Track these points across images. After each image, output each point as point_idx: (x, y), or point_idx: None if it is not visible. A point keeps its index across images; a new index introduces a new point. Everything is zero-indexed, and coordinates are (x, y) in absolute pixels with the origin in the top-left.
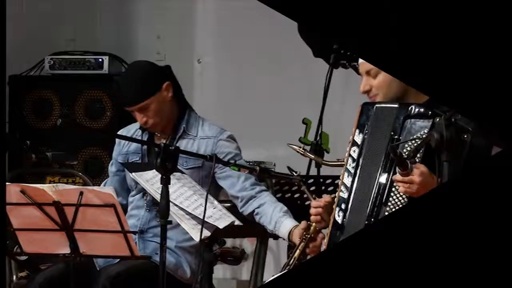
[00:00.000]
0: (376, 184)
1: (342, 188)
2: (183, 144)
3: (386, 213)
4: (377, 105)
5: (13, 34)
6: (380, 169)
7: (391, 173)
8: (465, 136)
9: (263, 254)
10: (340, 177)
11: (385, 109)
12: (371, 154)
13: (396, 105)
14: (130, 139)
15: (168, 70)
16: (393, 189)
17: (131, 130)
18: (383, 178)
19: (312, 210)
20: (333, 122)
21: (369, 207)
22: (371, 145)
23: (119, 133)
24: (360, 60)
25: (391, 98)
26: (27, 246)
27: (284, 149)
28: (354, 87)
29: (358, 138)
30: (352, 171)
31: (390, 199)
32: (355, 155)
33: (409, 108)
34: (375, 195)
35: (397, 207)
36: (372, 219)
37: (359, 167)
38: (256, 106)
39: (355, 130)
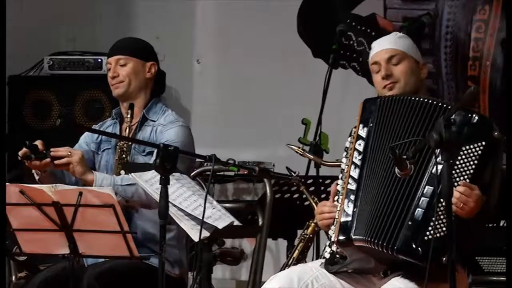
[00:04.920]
0: (415, 181)
1: (350, 180)
2: (144, 131)
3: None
4: (380, 99)
5: (13, 34)
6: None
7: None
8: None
9: (262, 254)
10: (345, 171)
11: (395, 101)
12: (385, 145)
13: (403, 97)
14: (127, 138)
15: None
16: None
17: (105, 122)
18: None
19: (325, 222)
20: (333, 122)
21: (407, 202)
22: (382, 137)
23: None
24: (381, 48)
25: (409, 88)
26: (26, 246)
27: (284, 149)
28: (354, 87)
29: (363, 132)
30: (359, 163)
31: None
32: (360, 148)
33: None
34: (415, 192)
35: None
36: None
37: (368, 158)
38: (255, 106)
39: (358, 125)
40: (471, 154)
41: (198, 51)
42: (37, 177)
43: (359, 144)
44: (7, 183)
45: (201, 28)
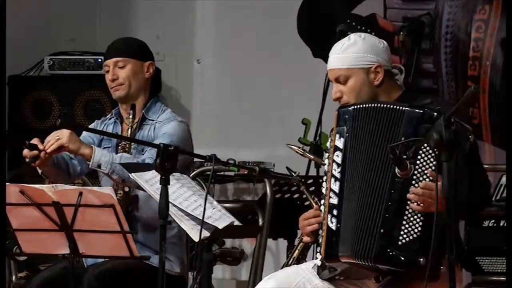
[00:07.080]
0: (384, 188)
1: (331, 194)
2: (142, 130)
3: (404, 222)
4: (353, 107)
5: (13, 34)
6: (380, 169)
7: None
8: (470, 137)
9: (262, 254)
10: (326, 184)
11: (365, 109)
12: (360, 156)
13: (374, 104)
14: (127, 138)
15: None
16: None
17: (106, 119)
18: (395, 185)
19: (306, 239)
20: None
21: (378, 211)
22: (358, 148)
23: (92, 125)
24: (328, 67)
25: (364, 99)
26: (26, 246)
27: (284, 149)
28: None
29: (340, 143)
30: (339, 176)
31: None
32: (339, 160)
33: (423, 113)
34: (383, 199)
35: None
36: (386, 222)
37: (347, 171)
38: (256, 106)
39: (334, 136)
40: (430, 151)
41: (198, 51)
42: (40, 171)
43: (337, 156)
44: (7, 183)
45: (201, 28)
